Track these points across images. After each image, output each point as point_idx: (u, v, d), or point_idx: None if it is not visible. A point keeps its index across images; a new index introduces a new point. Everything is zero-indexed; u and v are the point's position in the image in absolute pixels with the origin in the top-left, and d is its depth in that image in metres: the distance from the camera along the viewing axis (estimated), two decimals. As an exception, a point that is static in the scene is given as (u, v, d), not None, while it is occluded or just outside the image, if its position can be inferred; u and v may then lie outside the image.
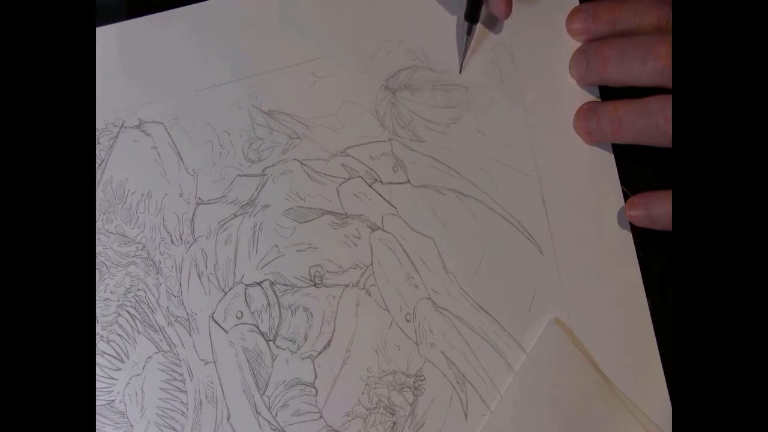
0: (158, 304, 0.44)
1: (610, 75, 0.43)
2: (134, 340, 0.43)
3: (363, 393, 0.43)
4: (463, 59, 0.45)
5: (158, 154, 0.45)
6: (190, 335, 0.43)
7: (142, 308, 0.44)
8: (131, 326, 0.43)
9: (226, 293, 0.44)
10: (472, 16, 0.44)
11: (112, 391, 0.43)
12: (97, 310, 0.43)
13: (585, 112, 0.44)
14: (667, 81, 0.41)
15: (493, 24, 0.46)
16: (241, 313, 0.44)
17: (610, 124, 0.43)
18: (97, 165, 0.44)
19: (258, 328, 0.43)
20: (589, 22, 0.44)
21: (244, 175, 0.45)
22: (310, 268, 0.44)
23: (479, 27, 0.45)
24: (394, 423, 0.43)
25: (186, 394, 0.43)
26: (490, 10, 0.44)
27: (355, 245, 0.44)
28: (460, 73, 0.45)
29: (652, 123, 0.41)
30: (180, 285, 0.44)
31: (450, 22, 0.46)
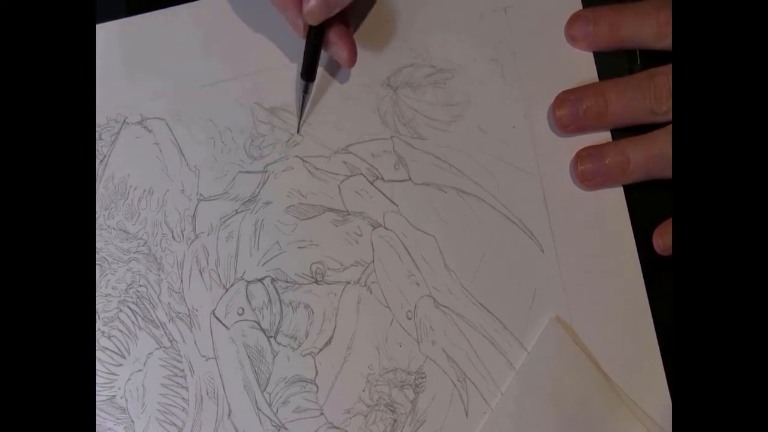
0: (159, 300, 0.44)
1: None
2: (135, 336, 0.43)
3: (364, 390, 0.43)
4: (301, 118, 0.44)
5: (160, 150, 0.45)
6: (192, 331, 0.43)
7: (143, 304, 0.44)
8: (132, 322, 0.43)
9: (227, 290, 0.44)
10: (308, 74, 0.43)
11: (113, 386, 0.43)
12: (99, 306, 0.43)
13: (585, 158, 0.44)
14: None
15: (495, 23, 0.46)
16: (243, 309, 0.44)
17: (619, 164, 0.43)
18: (99, 161, 0.44)
19: (259, 324, 0.44)
20: (590, 27, 0.44)
21: (245, 172, 0.45)
22: (311, 265, 0.44)
23: (482, 26, 0.45)
24: (395, 420, 0.43)
25: (187, 390, 0.43)
26: (334, 58, 0.43)
27: (357, 242, 0.44)
28: (298, 132, 0.45)
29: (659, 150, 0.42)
30: (181, 281, 0.44)
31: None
